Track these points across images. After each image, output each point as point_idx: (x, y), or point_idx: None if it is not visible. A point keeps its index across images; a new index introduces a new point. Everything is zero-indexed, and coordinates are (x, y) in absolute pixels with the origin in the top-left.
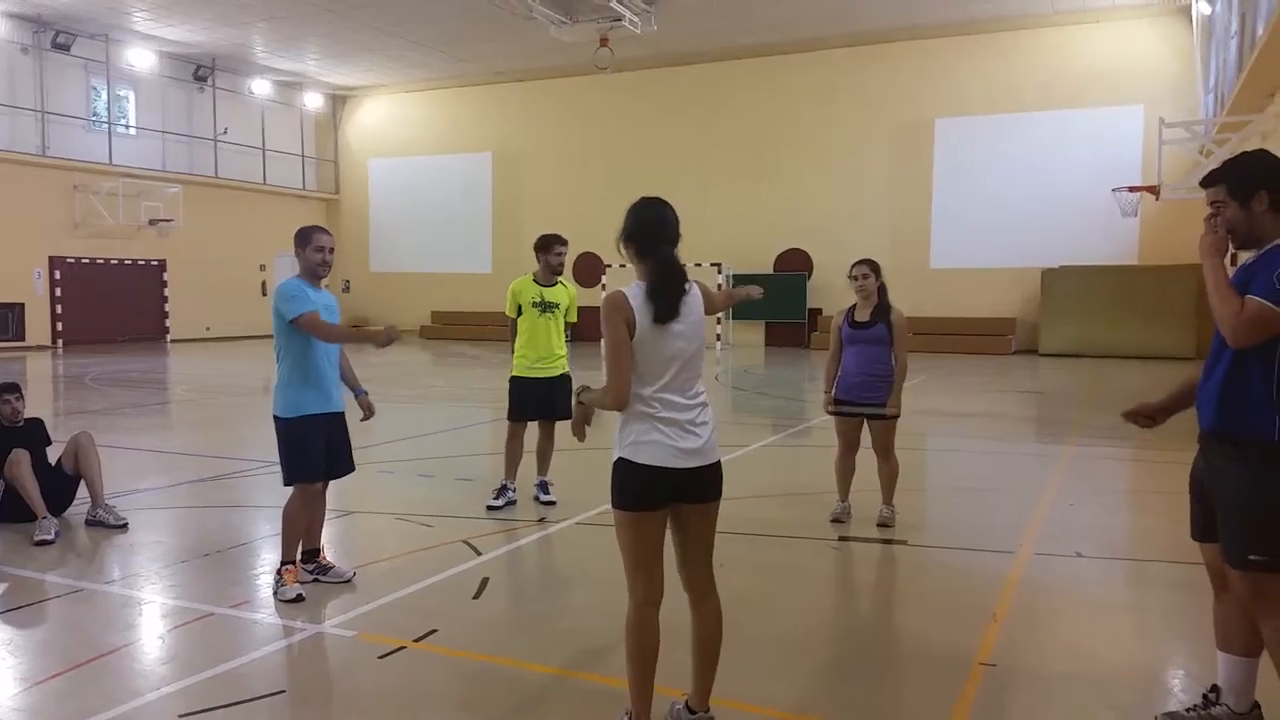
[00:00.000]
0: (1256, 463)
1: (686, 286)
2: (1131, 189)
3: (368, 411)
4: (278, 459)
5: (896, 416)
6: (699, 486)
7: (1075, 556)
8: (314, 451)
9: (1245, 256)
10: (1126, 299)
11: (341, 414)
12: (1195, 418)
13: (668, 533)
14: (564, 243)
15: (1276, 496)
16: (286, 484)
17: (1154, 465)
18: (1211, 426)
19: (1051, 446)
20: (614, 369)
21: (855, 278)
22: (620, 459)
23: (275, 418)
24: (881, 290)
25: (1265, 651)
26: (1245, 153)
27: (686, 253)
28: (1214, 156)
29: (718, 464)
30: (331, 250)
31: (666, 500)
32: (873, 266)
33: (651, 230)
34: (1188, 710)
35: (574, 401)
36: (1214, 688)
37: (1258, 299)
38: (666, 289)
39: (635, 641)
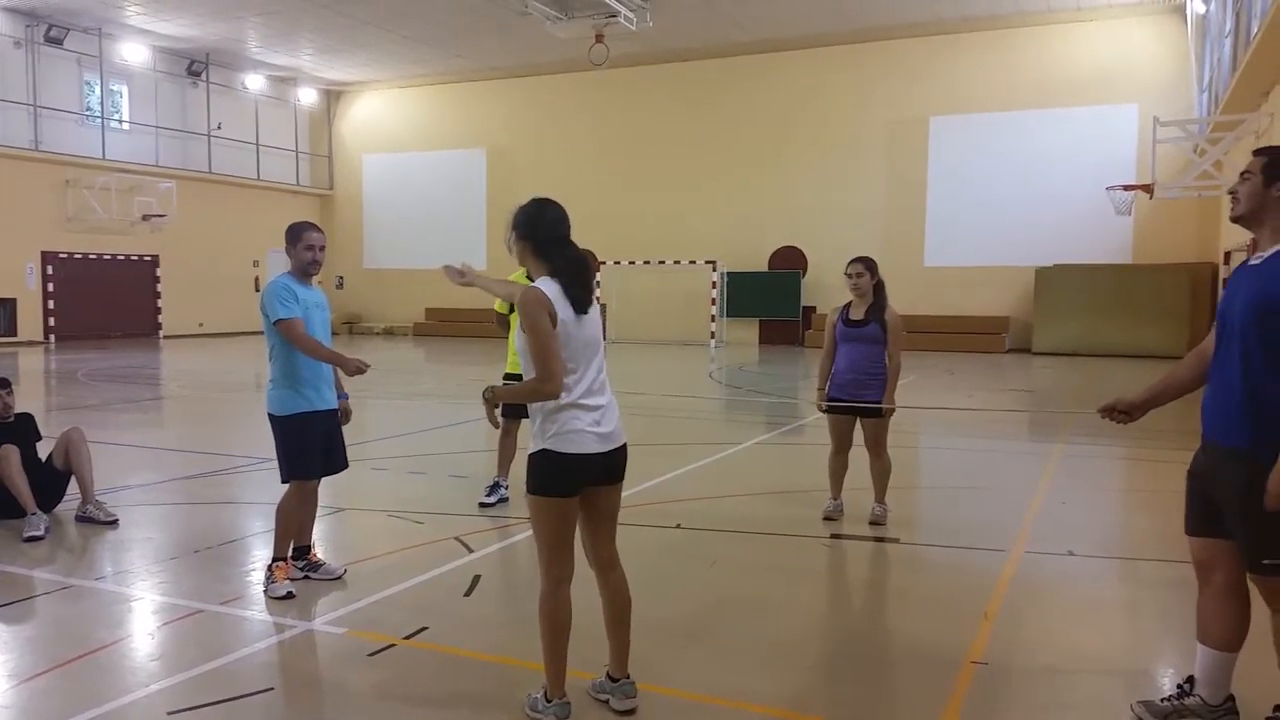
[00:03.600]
0: (1269, 473)
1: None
2: (1126, 188)
3: (344, 417)
4: (273, 456)
5: (890, 414)
6: (612, 468)
7: (1067, 555)
8: (312, 448)
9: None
10: (1120, 298)
11: (335, 411)
12: (1181, 416)
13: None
14: None
15: None
16: (285, 481)
17: (1146, 464)
18: (1226, 440)
19: (1044, 445)
20: (548, 360)
21: (850, 276)
22: (545, 450)
23: (270, 416)
24: (878, 289)
25: (1243, 648)
26: None
27: (681, 250)
28: (1208, 155)
29: (625, 446)
30: (322, 248)
31: (584, 486)
32: (868, 265)
33: (555, 228)
34: (1163, 700)
35: (483, 399)
36: (1189, 679)
37: None
38: (585, 280)
39: (553, 617)
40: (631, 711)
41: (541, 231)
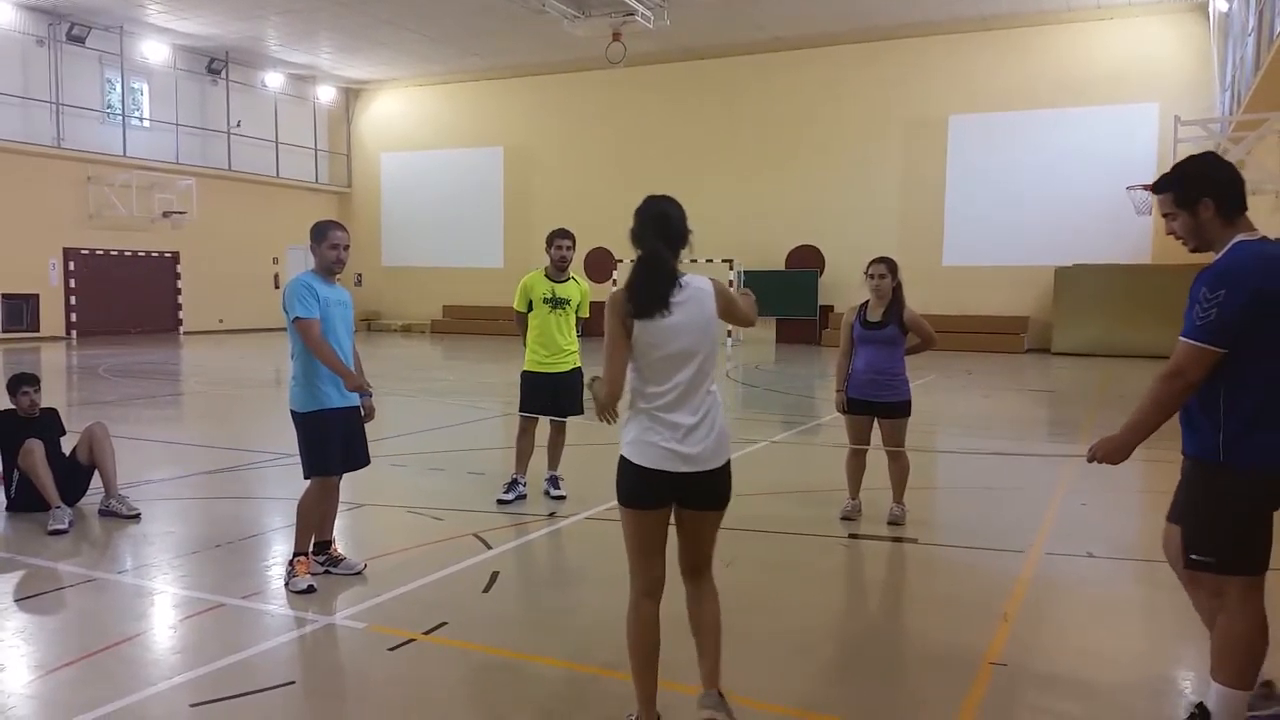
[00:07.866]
0: (1206, 477)
1: (681, 283)
2: (1146, 187)
3: (368, 414)
4: (294, 452)
5: (908, 415)
6: (699, 492)
7: (1086, 556)
8: (333, 444)
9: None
10: (1140, 298)
11: (357, 408)
12: None
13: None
14: (566, 236)
15: (1215, 509)
16: (307, 477)
17: (1166, 465)
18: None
19: (1063, 446)
20: (607, 362)
21: (872, 276)
22: (621, 456)
23: (292, 412)
24: (897, 290)
25: None
26: (1189, 159)
27: (698, 248)
28: (1230, 155)
29: (720, 470)
30: (347, 247)
31: (665, 500)
32: (890, 266)
33: (644, 226)
34: None
35: (586, 393)
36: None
37: (1182, 341)
38: (646, 284)
39: (630, 633)
40: None
41: (637, 230)
